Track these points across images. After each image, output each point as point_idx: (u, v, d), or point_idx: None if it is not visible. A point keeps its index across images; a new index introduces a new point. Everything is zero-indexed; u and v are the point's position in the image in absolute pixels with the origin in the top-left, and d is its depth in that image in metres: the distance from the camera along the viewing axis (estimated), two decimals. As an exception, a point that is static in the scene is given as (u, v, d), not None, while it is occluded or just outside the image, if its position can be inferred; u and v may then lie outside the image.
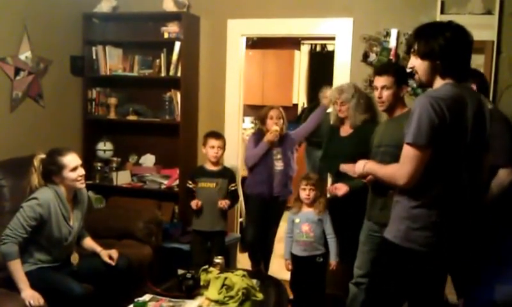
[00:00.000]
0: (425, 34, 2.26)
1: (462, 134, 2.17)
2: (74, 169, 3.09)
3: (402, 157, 2.18)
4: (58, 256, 3.10)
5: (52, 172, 3.06)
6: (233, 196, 3.94)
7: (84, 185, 3.21)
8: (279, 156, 4.05)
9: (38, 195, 2.98)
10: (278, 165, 4.04)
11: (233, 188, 3.93)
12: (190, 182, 3.92)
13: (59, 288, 2.90)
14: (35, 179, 3.08)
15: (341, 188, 3.36)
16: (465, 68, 2.27)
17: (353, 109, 3.67)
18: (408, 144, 2.15)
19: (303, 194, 3.56)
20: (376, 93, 3.15)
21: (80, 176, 3.12)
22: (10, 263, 2.84)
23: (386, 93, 3.09)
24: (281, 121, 4.07)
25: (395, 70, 3.20)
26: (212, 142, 3.85)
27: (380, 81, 3.11)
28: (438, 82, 2.25)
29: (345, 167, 3.45)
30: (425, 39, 2.24)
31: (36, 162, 3.10)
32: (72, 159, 3.10)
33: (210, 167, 3.91)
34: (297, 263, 3.58)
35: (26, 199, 2.99)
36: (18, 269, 2.85)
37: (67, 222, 3.10)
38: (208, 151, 3.87)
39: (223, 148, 3.91)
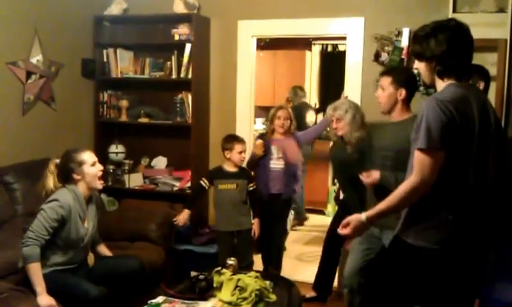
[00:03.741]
0: (419, 35, 2.25)
1: (470, 133, 2.13)
2: (93, 164, 3.12)
3: (416, 165, 2.11)
4: (74, 257, 3.10)
5: (72, 170, 3.06)
6: (253, 195, 3.96)
7: (102, 186, 3.21)
8: (280, 155, 4.04)
9: (58, 196, 2.98)
10: (278, 163, 4.04)
11: (251, 188, 3.95)
12: (205, 181, 3.92)
13: (74, 291, 2.89)
14: (50, 182, 3.08)
15: (371, 176, 3.04)
16: (465, 67, 2.23)
17: (349, 124, 3.53)
18: (420, 150, 2.08)
19: None
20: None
21: (101, 170, 3.15)
22: (30, 265, 2.83)
23: (381, 94, 3.12)
24: (289, 121, 4.06)
25: (395, 71, 3.21)
26: (239, 147, 3.87)
27: (380, 81, 3.17)
28: (439, 83, 2.23)
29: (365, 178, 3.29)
30: (418, 41, 2.24)
31: (51, 165, 3.10)
32: (89, 155, 3.13)
33: (229, 168, 3.91)
34: None
35: (46, 201, 2.98)
36: (37, 272, 2.84)
37: (82, 223, 3.11)
38: (234, 156, 3.86)
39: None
